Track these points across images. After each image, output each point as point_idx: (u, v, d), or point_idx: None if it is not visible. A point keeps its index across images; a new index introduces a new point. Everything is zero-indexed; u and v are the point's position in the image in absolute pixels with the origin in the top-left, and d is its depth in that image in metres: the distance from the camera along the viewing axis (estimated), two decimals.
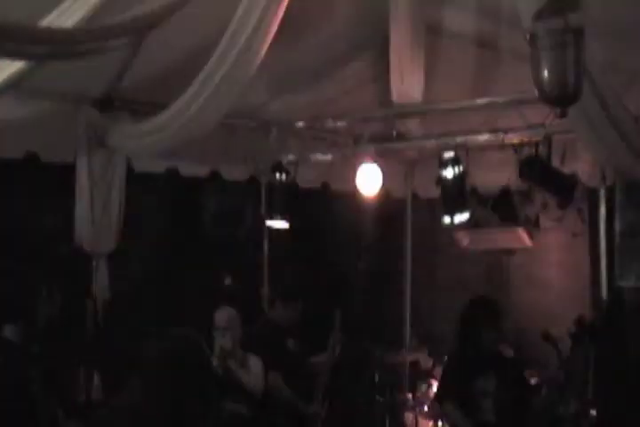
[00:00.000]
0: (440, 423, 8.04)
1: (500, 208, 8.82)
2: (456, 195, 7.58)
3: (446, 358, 7.55)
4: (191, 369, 3.32)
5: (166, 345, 3.37)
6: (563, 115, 5.26)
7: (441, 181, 7.55)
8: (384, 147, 7.90)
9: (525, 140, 7.10)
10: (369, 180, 7.92)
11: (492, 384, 6.55)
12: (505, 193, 8.56)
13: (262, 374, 6.99)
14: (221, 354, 6.75)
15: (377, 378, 8.79)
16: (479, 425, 6.54)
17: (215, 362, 6.71)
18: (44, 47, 5.22)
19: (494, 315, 6.69)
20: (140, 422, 3.26)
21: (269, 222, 8.34)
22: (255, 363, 6.97)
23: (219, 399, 6.69)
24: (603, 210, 7.81)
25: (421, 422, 8.46)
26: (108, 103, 7.26)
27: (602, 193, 7.78)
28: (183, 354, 3.33)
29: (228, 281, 8.88)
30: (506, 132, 7.15)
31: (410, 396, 8.81)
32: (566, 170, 7.29)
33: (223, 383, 6.73)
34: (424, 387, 8.74)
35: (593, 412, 6.98)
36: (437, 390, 7.29)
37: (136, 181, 7.63)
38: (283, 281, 8.15)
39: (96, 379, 6.66)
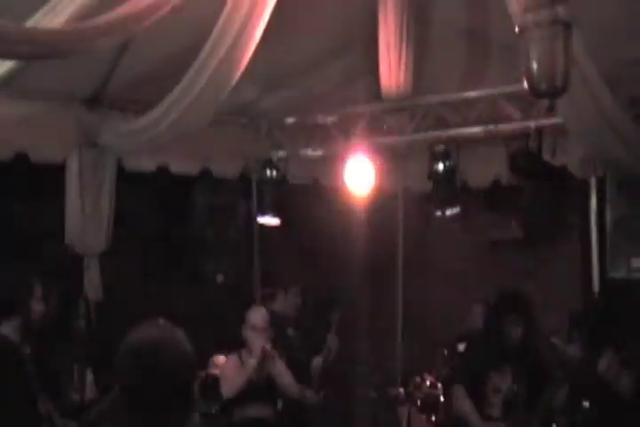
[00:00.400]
0: (434, 418, 8.04)
1: (492, 201, 8.81)
2: (447, 188, 7.59)
3: (465, 344, 7.58)
4: (166, 366, 3.20)
5: (142, 338, 3.26)
6: (550, 108, 5.28)
7: (432, 175, 7.55)
8: (375, 141, 7.89)
9: (516, 133, 7.10)
10: (360, 175, 7.91)
11: (506, 381, 6.57)
12: (496, 186, 8.55)
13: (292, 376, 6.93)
14: (262, 355, 6.68)
15: (369, 374, 8.81)
16: (483, 418, 6.56)
17: (253, 364, 6.67)
18: (30, 47, 5.20)
19: (523, 310, 6.70)
20: (129, 423, 3.19)
21: (260, 219, 8.33)
22: (282, 365, 6.89)
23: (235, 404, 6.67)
24: (594, 201, 7.81)
25: (415, 416, 8.45)
26: (97, 102, 7.25)
27: (592, 184, 7.78)
28: (158, 348, 3.22)
29: (219, 278, 8.87)
30: (496, 125, 7.14)
31: (402, 390, 8.80)
32: (557, 162, 7.30)
33: (257, 386, 6.70)
34: (417, 381, 8.72)
35: (586, 404, 6.99)
36: (453, 371, 7.31)
37: (127, 180, 7.62)
38: (279, 273, 8.16)
39: (89, 378, 6.64)
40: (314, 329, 7.79)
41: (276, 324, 7.33)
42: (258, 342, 6.73)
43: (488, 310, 6.98)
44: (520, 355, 6.66)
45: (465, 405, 6.64)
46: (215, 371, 7.43)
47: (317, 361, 7.58)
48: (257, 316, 6.87)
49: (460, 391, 6.70)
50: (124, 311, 7.33)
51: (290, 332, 7.52)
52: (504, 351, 6.62)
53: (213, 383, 7.15)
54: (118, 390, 3.19)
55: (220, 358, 7.68)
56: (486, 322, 6.96)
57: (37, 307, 5.78)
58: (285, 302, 7.62)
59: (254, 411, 6.76)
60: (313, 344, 7.62)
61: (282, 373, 6.82)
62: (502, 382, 6.59)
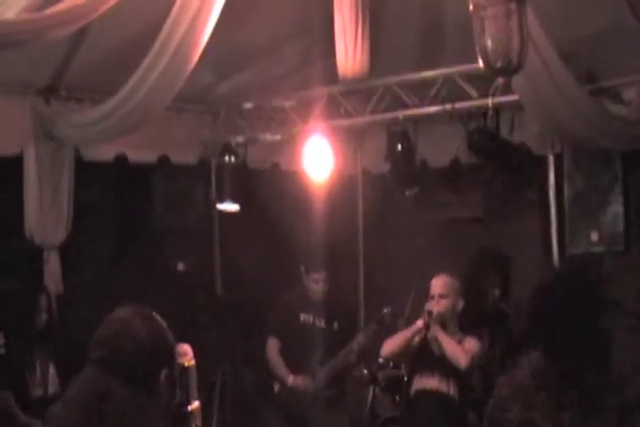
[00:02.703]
0: (397, 397, 8.04)
1: (451, 180, 8.82)
2: (406, 169, 7.59)
3: None
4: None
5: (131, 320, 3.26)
6: (506, 85, 5.29)
7: (390, 155, 7.55)
8: (333, 124, 7.87)
9: (474, 111, 7.12)
10: (319, 158, 7.90)
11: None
12: (455, 165, 8.57)
13: None
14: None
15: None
16: None
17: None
18: None
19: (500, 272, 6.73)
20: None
21: (220, 206, 8.30)
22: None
23: None
24: (552, 178, 7.85)
25: (379, 396, 8.44)
26: (54, 93, 7.21)
27: (550, 160, 7.82)
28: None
29: (180, 267, 8.82)
30: (453, 104, 7.15)
31: (366, 371, 8.78)
32: (515, 139, 7.33)
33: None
34: (380, 361, 8.72)
35: None
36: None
37: (85, 170, 7.58)
38: (240, 260, 8.13)
39: (52, 372, 6.60)
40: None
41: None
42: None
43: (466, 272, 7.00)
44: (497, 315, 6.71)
45: None
46: (180, 360, 7.39)
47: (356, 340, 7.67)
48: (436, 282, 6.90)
49: None
50: (86, 303, 7.30)
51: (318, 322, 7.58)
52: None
53: (181, 373, 7.12)
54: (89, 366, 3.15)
55: (185, 347, 7.64)
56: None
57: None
58: (315, 284, 7.66)
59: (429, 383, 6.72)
60: None
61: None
62: None
